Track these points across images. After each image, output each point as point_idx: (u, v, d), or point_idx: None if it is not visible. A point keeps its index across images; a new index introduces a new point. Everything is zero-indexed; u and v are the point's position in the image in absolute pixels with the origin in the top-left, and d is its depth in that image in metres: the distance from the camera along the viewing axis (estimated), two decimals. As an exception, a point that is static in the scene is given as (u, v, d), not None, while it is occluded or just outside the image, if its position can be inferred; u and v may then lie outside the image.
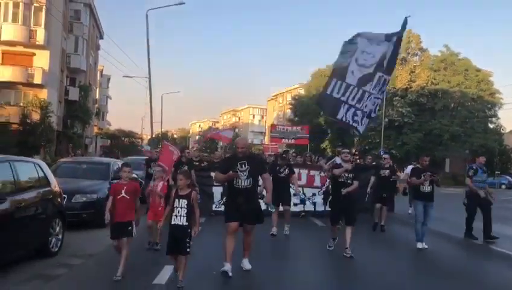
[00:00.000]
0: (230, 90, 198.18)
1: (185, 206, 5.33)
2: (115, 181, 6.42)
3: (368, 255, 7.90)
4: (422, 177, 8.61)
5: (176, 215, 5.33)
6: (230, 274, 5.82)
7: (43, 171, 6.78)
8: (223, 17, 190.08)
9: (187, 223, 5.31)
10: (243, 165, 6.05)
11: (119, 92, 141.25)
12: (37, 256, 6.47)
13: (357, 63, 9.08)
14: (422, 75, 45.45)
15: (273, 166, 9.71)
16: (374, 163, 13.66)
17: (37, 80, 30.76)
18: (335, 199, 8.07)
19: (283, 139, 21.75)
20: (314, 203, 13.08)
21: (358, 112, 9.32)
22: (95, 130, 51.16)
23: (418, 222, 8.66)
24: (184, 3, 25.57)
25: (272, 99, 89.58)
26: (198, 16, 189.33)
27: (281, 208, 9.45)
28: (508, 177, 45.42)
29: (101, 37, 48.80)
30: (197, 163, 12.43)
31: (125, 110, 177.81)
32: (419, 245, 8.55)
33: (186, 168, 9.56)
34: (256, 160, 6.58)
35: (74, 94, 37.34)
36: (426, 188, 8.67)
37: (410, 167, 14.54)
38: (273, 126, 26.42)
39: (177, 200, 5.38)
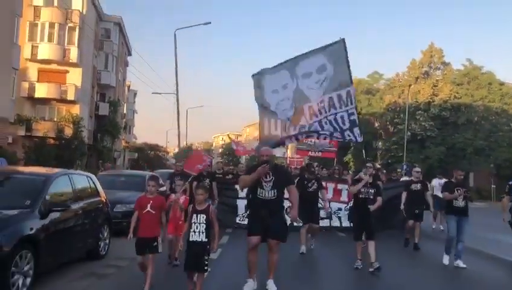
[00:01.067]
0: (253, 104, 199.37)
1: (204, 221, 5.13)
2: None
3: (401, 274, 7.69)
4: (457, 192, 8.26)
5: (194, 232, 5.12)
6: None
7: (94, 183, 7.69)
8: (244, 32, 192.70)
9: (206, 239, 5.11)
10: (268, 176, 5.77)
11: (145, 106, 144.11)
12: (87, 258, 7.33)
13: (277, 108, 9.62)
14: (444, 89, 45.53)
15: (301, 180, 9.22)
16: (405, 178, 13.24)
17: (70, 96, 32.29)
18: (357, 215, 7.90)
19: (309, 152, 21.05)
20: (339, 218, 12.74)
21: (324, 134, 9.69)
22: (123, 143, 52.70)
23: (450, 238, 8.38)
24: (210, 23, 26.75)
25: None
26: (222, 32, 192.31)
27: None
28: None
29: (129, 54, 50.55)
30: (220, 176, 12.50)
31: (150, 124, 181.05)
32: (445, 260, 8.38)
33: (207, 181, 10.01)
34: (282, 171, 6.34)
35: (104, 109, 38.87)
36: (460, 203, 8.29)
37: (436, 181, 14.48)
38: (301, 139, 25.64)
39: (195, 215, 5.18)
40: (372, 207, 7.50)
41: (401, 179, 14.71)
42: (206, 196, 5.38)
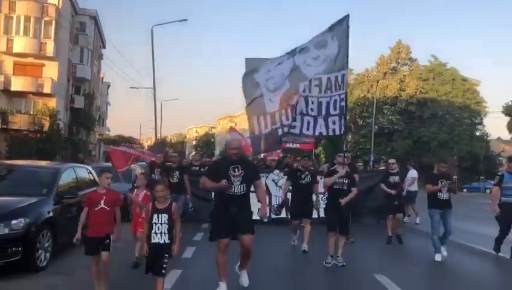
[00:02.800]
0: (227, 96, 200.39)
1: (166, 222, 4.66)
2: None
3: (388, 271, 7.12)
4: (440, 183, 7.99)
5: (156, 233, 4.64)
6: None
7: (92, 174, 8.69)
8: (221, 25, 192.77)
9: (169, 241, 4.66)
10: (237, 170, 5.35)
11: (118, 98, 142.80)
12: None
13: (269, 90, 8.27)
14: (411, 85, 47.64)
15: (294, 172, 8.89)
16: (382, 168, 13.17)
17: (47, 89, 32.59)
18: (331, 206, 7.51)
19: (287, 144, 20.30)
20: (324, 209, 12.40)
21: (308, 119, 8.28)
22: (97, 136, 52.91)
23: (435, 234, 8.07)
24: (186, 20, 27.57)
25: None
26: (198, 26, 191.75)
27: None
28: (492, 182, 47.44)
29: (104, 47, 50.69)
30: (197, 168, 12.14)
31: (123, 116, 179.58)
32: (438, 257, 8.02)
33: (177, 174, 9.62)
34: (249, 164, 5.88)
35: (79, 102, 39.16)
36: (444, 195, 8.03)
37: (412, 172, 14.00)
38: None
39: (155, 215, 4.68)
40: (343, 200, 7.23)
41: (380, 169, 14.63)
42: (167, 193, 4.84)
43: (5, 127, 30.78)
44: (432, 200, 8.16)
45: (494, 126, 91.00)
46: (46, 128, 30.71)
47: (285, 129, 8.09)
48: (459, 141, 46.29)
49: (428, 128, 46.43)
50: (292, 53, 8.28)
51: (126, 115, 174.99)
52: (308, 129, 8.16)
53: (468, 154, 44.91)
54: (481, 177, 45.64)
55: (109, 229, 5.16)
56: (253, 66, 8.62)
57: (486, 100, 49.39)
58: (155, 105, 27.41)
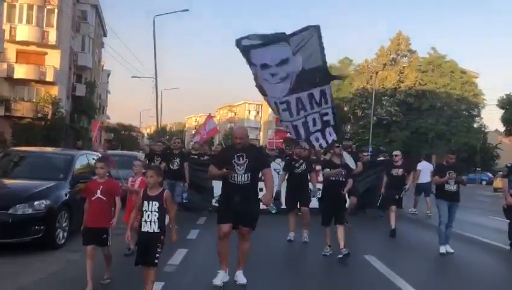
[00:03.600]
0: (227, 86, 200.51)
1: (156, 210, 4.51)
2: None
3: (393, 263, 6.97)
4: (448, 175, 7.84)
5: (146, 221, 4.50)
6: (221, 285, 5.27)
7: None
8: (221, 14, 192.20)
9: (159, 230, 4.51)
10: (241, 158, 5.34)
11: (118, 86, 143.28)
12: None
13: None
14: (410, 76, 48.02)
15: (289, 161, 8.66)
16: (383, 159, 13.17)
17: (49, 77, 32.92)
18: (326, 197, 7.43)
19: (288, 133, 20.14)
20: (319, 200, 12.60)
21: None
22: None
23: (442, 224, 7.91)
24: (188, 10, 27.92)
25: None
26: (199, 15, 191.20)
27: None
28: (488, 174, 48.17)
29: (105, 35, 50.90)
30: (195, 157, 12.16)
31: (122, 103, 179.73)
32: (443, 249, 7.87)
33: (177, 161, 9.57)
34: (256, 152, 5.74)
35: (81, 90, 39.53)
36: (452, 187, 7.90)
37: (423, 164, 14.07)
38: (277, 118, 23.19)
39: (146, 202, 4.55)
40: (345, 189, 7.25)
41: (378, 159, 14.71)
42: (159, 179, 4.67)
43: (8, 114, 31.18)
44: (439, 192, 8.13)
45: (492, 118, 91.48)
46: (49, 116, 31.17)
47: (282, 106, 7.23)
48: (457, 132, 46.80)
49: (426, 120, 46.89)
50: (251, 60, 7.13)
51: (125, 103, 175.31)
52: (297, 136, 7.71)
53: (465, 145, 45.40)
54: (477, 168, 46.23)
55: (107, 221, 5.00)
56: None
57: (485, 93, 49.94)
58: (157, 95, 27.82)
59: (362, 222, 11.10)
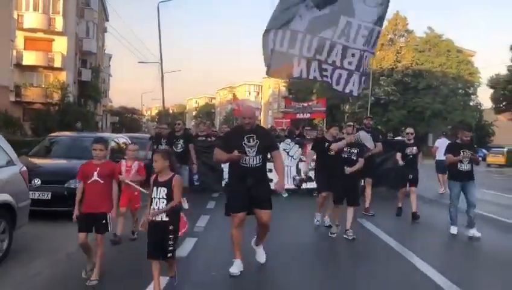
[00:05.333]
0: (227, 67, 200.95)
1: (164, 197, 4.25)
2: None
3: (406, 244, 6.81)
4: (462, 154, 7.48)
5: (154, 209, 4.26)
6: (238, 273, 5.10)
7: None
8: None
9: (167, 219, 4.24)
10: (251, 140, 5.06)
11: (119, 70, 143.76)
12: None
13: (307, 7, 7.12)
14: (407, 56, 48.95)
15: (321, 142, 7.77)
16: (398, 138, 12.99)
17: (57, 63, 34.14)
18: (338, 176, 7.13)
19: (297, 114, 19.71)
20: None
21: (326, 66, 7.63)
22: (102, 108, 54.58)
23: (452, 206, 7.72)
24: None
25: (267, 77, 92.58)
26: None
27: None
28: (483, 150, 49.48)
29: (107, 19, 51.76)
30: (203, 138, 12.07)
31: (123, 86, 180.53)
32: (453, 230, 7.69)
33: (181, 142, 9.27)
34: (265, 133, 5.42)
35: (86, 75, 40.73)
36: (465, 166, 7.54)
37: (441, 141, 13.96)
38: (287, 101, 24.05)
39: (155, 188, 4.31)
40: (349, 169, 7.05)
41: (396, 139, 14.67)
42: (166, 163, 4.34)
43: (18, 99, 32.43)
44: (452, 171, 7.80)
45: (488, 96, 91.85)
46: (57, 100, 32.37)
47: (315, 76, 7.35)
48: (453, 110, 47.90)
49: (422, 99, 47.96)
50: None
51: (126, 86, 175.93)
52: (338, 84, 7.40)
53: (460, 124, 46.53)
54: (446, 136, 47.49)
55: (106, 206, 4.72)
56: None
57: (481, 71, 50.86)
58: (162, 80, 28.82)
59: (377, 201, 10.41)
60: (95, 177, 4.73)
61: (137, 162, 6.43)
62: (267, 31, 7.27)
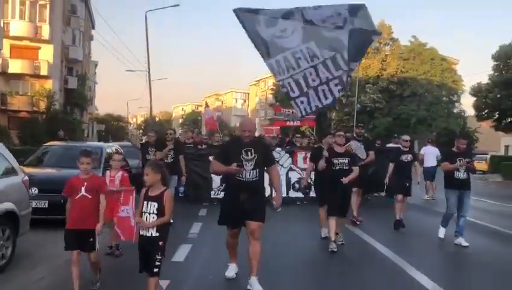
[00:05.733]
0: (213, 75, 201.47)
1: (155, 212, 4.13)
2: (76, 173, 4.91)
3: (393, 250, 6.99)
4: (458, 162, 7.45)
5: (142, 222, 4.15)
6: (234, 276, 5.26)
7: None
8: (207, 4, 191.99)
9: (157, 234, 4.13)
10: (249, 153, 4.97)
11: (105, 77, 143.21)
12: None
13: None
14: (392, 64, 49.68)
15: (319, 151, 7.53)
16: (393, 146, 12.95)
17: (43, 71, 33.95)
18: (331, 187, 6.98)
19: (287, 122, 19.76)
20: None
21: (323, 88, 7.40)
22: (88, 116, 54.26)
23: (449, 214, 7.77)
24: (179, 5, 29.06)
25: (254, 84, 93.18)
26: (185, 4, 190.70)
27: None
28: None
29: (93, 27, 51.59)
30: (191, 146, 11.88)
31: (109, 93, 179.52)
32: (441, 233, 7.84)
33: (172, 152, 9.04)
34: (263, 147, 5.38)
35: (73, 83, 40.49)
36: (461, 174, 7.50)
37: (427, 148, 14.50)
38: (277, 108, 23.84)
39: (145, 203, 4.19)
40: (345, 179, 6.83)
41: (387, 146, 14.64)
42: (157, 177, 4.19)
43: (4, 108, 32.17)
44: (448, 179, 7.67)
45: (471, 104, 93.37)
46: (44, 109, 32.14)
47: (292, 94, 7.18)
48: (437, 117, 48.68)
49: (408, 106, 48.67)
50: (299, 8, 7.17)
51: (112, 93, 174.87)
52: (326, 98, 7.26)
53: (445, 130, 47.36)
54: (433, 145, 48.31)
55: (93, 223, 4.59)
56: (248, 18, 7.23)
57: (464, 79, 51.81)
58: (150, 89, 28.96)
59: (369, 209, 10.66)
60: (83, 192, 4.62)
61: (121, 172, 6.25)
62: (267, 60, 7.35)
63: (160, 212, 4.13)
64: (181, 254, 6.33)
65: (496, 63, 36.62)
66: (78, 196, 4.62)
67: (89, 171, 4.75)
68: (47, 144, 10.57)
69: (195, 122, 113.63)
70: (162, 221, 4.14)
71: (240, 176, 4.97)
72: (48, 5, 34.05)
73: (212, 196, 11.49)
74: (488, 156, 38.34)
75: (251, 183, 5.01)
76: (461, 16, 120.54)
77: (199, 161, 11.42)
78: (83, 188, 4.62)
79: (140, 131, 40.74)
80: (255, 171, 5.01)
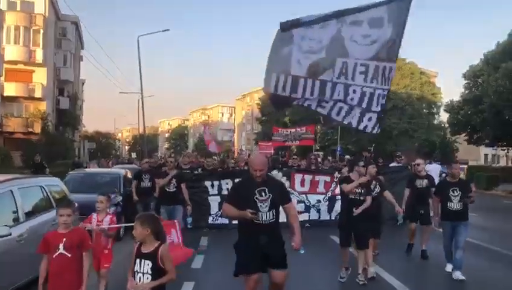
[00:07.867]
0: (199, 90, 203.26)
1: (149, 272, 3.63)
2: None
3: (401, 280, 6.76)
4: (451, 193, 7.07)
5: (137, 284, 3.66)
6: None
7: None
8: (194, 18, 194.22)
9: None
10: (263, 193, 4.66)
11: (90, 94, 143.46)
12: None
13: (301, 51, 6.92)
14: (374, 79, 51.70)
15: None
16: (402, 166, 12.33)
17: (38, 94, 35.04)
18: (344, 217, 6.80)
19: (286, 142, 19.55)
20: (319, 211, 11.85)
21: (341, 105, 7.23)
22: (78, 134, 55.10)
23: (445, 246, 7.39)
24: (169, 30, 30.51)
25: (240, 99, 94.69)
26: (173, 22, 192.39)
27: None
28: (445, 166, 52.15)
29: (82, 48, 52.67)
30: (188, 171, 11.12)
31: (95, 110, 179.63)
32: (449, 268, 7.33)
33: (174, 182, 8.68)
34: (277, 184, 5.04)
35: (64, 103, 41.54)
36: (455, 205, 7.06)
37: (433, 166, 13.49)
38: (274, 129, 22.87)
39: (137, 260, 3.69)
40: (356, 211, 6.57)
41: (391, 165, 13.57)
42: (145, 233, 3.67)
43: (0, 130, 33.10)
44: (442, 210, 7.26)
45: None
46: (37, 130, 33.16)
47: (310, 103, 7.08)
48: (418, 129, 50.69)
49: (390, 119, 50.58)
50: (340, 19, 6.91)
51: (98, 109, 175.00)
52: (338, 114, 7.13)
53: (425, 141, 49.35)
54: (437, 162, 50.22)
55: (75, 285, 4.00)
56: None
57: (443, 92, 54.05)
58: (143, 110, 30.14)
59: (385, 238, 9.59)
60: (61, 249, 4.02)
61: (109, 216, 5.58)
62: (268, 73, 7.08)
63: (155, 272, 3.61)
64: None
65: (466, 81, 38.88)
66: (56, 254, 4.02)
67: (69, 224, 4.17)
68: (72, 172, 11.82)
69: (182, 137, 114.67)
70: (166, 281, 3.67)
71: (257, 219, 4.62)
72: (41, 30, 35.19)
73: (210, 222, 11.24)
74: (466, 166, 40.16)
75: (269, 225, 4.68)
76: (439, 32, 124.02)
77: (194, 187, 10.75)
78: (61, 245, 4.03)
79: (127, 147, 41.70)
80: (271, 212, 4.68)
